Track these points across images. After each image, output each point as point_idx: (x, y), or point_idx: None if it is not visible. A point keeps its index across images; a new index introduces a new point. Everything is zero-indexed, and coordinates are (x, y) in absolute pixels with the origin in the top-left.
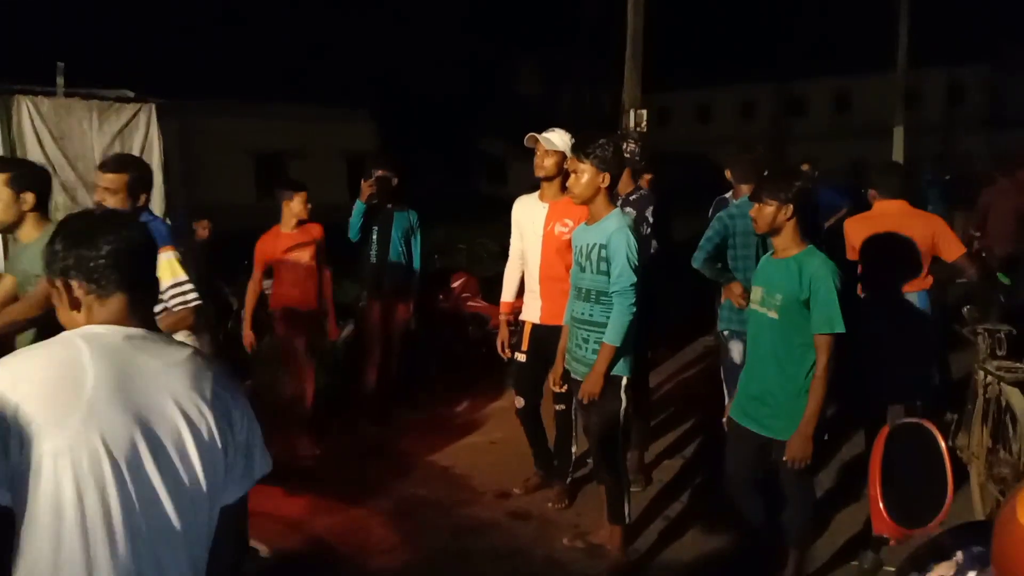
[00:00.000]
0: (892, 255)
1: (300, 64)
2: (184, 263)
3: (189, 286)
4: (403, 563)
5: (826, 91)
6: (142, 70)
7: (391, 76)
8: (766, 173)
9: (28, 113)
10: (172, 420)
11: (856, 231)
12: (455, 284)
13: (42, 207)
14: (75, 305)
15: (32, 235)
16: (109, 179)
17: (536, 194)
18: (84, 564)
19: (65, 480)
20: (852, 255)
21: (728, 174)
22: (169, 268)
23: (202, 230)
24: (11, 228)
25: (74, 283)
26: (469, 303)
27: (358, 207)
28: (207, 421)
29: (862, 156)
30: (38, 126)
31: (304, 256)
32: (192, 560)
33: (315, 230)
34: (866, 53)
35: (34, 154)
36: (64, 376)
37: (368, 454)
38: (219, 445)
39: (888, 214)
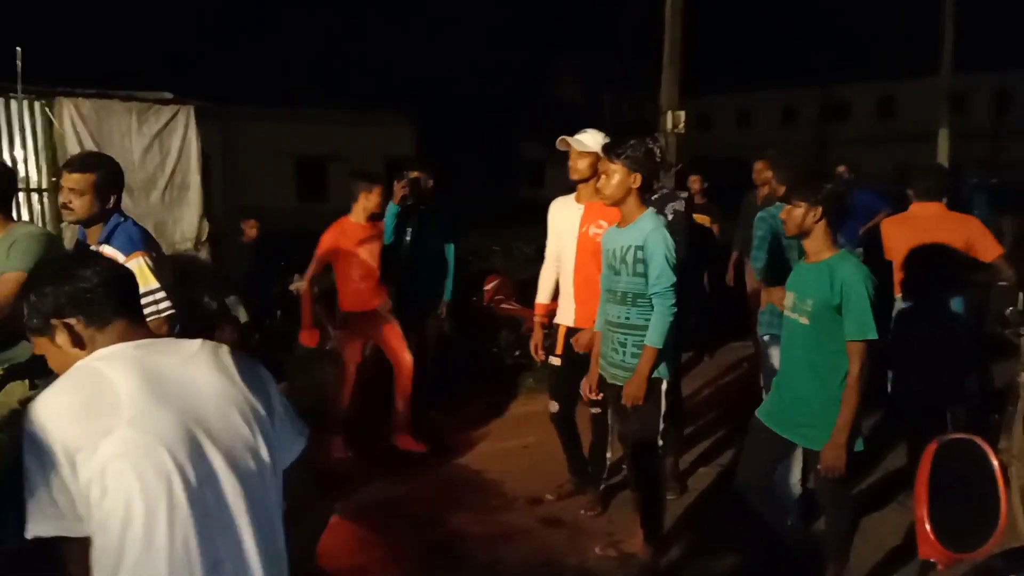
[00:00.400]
0: (927, 258)
1: (341, 68)
2: (156, 269)
3: (161, 294)
4: (432, 570)
5: (869, 95)
6: (185, 74)
7: (431, 80)
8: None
9: (69, 114)
10: (214, 403)
11: (891, 232)
12: (489, 286)
13: (4, 206)
14: (78, 343)
15: None
16: (75, 179)
17: (573, 196)
18: (165, 557)
19: (130, 483)
20: (888, 255)
21: (770, 175)
22: (140, 274)
23: (250, 229)
24: None
25: (72, 320)
26: (503, 306)
27: (391, 209)
28: (245, 396)
29: (906, 161)
30: (79, 127)
31: (376, 248)
32: (264, 534)
33: (380, 225)
34: (910, 56)
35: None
36: (93, 393)
37: (399, 458)
38: (263, 413)
39: (923, 216)
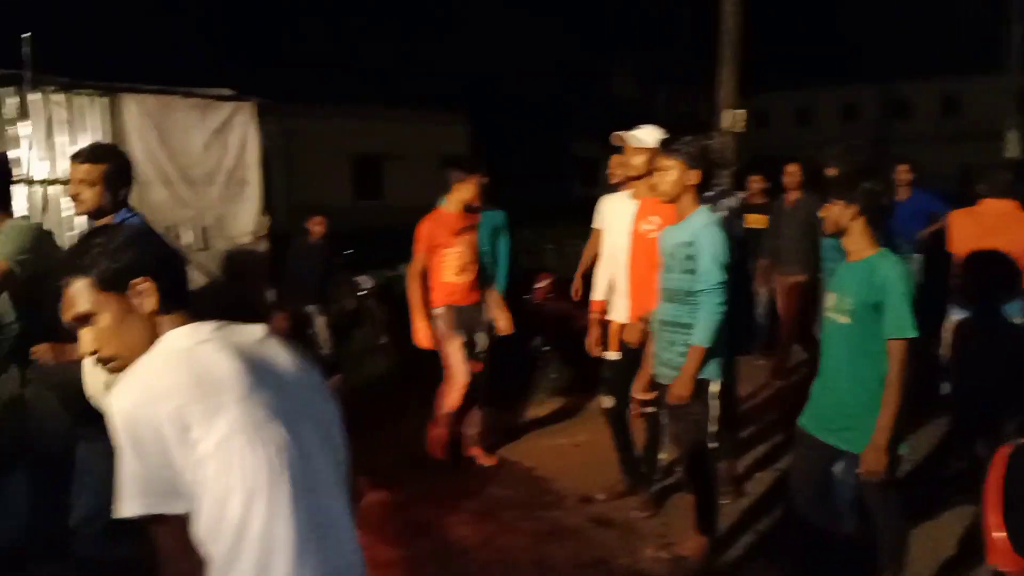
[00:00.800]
0: (989, 259)
1: (397, 67)
2: None
3: None
4: (481, 565)
5: (933, 93)
6: (246, 72)
7: (487, 79)
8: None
9: (133, 110)
10: (296, 381)
11: (957, 224)
12: (541, 284)
13: (2, 203)
14: (164, 306)
15: None
16: (84, 170)
17: (626, 192)
18: (290, 525)
19: (255, 456)
20: (949, 247)
21: (831, 172)
22: None
23: (316, 227)
24: None
25: (157, 284)
26: (555, 303)
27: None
28: (315, 377)
29: (972, 160)
30: (142, 123)
31: (473, 241)
32: (347, 504)
33: (477, 216)
34: (975, 53)
35: (138, 150)
36: (198, 372)
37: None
38: (329, 394)
39: (991, 213)
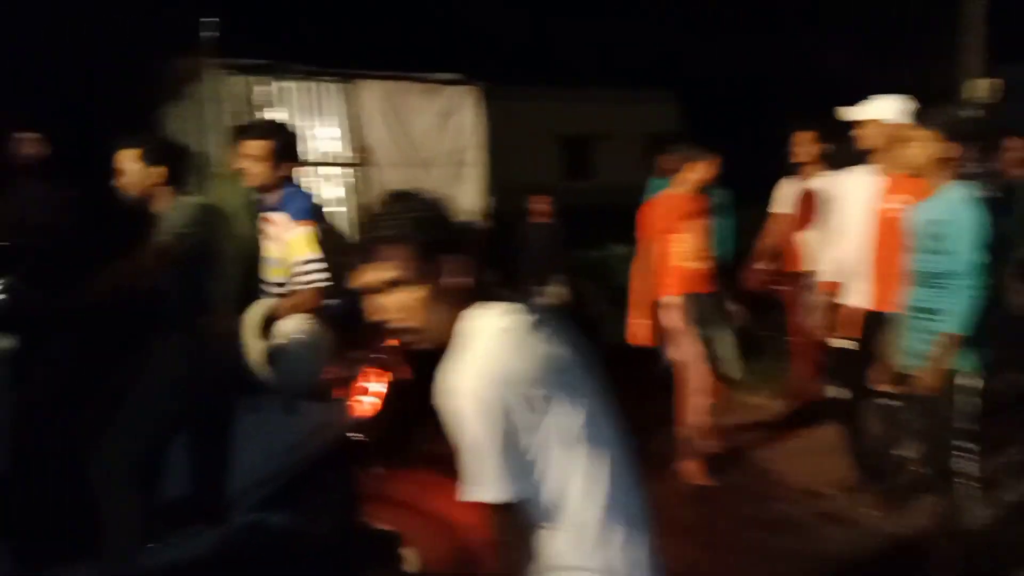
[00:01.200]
0: None
1: (605, 47)
2: (323, 241)
3: (321, 264)
4: (698, 547)
5: None
6: (464, 55)
7: (696, 56)
8: None
9: (368, 95)
10: (584, 355)
11: None
12: (758, 266)
13: (176, 181)
14: (474, 296)
15: (164, 207)
16: (254, 146)
17: (864, 167)
18: (636, 492)
19: (591, 436)
20: None
21: None
22: (306, 242)
23: (540, 205)
24: (146, 201)
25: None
26: (777, 287)
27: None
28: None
29: None
30: (377, 107)
31: (706, 225)
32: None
33: (708, 199)
34: None
35: (373, 133)
36: (532, 355)
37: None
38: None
39: None
